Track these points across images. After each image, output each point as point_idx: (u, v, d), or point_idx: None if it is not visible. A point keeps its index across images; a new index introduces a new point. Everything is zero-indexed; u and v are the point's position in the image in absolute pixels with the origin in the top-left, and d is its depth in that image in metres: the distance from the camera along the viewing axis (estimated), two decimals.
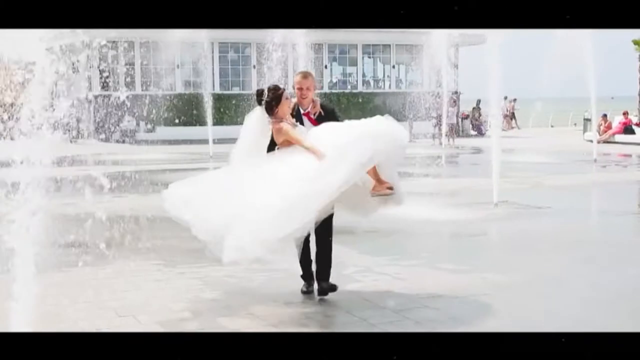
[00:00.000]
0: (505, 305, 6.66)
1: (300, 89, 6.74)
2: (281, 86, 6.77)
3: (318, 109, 6.80)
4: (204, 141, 23.69)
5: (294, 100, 6.78)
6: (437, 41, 27.60)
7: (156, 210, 12.16)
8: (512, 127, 39.63)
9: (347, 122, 6.77)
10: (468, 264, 8.02)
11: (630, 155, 23.47)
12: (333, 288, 6.76)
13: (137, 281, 7.41)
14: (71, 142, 29.29)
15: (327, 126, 6.63)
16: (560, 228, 10.45)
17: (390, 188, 6.55)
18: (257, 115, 6.65)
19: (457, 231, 10.25)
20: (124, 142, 29.88)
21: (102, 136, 30.38)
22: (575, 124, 38.84)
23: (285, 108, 6.59)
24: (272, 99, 6.56)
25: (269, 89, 6.65)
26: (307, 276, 6.90)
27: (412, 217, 10.65)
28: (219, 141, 24.97)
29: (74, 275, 7.60)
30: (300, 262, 6.82)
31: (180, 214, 6.45)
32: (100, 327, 5.90)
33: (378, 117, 6.72)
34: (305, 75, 6.86)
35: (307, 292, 6.88)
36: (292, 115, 6.69)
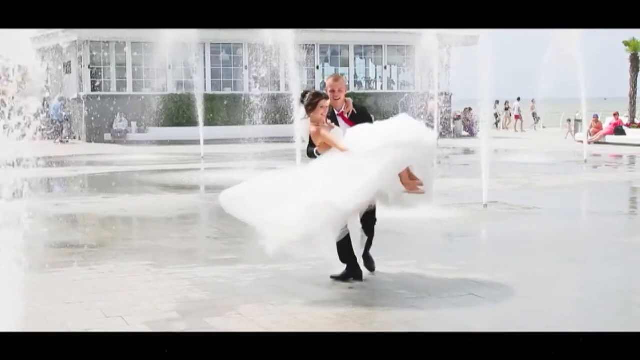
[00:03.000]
0: (493, 305, 6.67)
1: (333, 91, 7.23)
2: (323, 93, 7.19)
3: (351, 108, 7.30)
4: (196, 142, 23.69)
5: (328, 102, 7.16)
6: (429, 42, 27.65)
7: (146, 211, 12.22)
8: (519, 129, 39.50)
9: (381, 124, 7.17)
10: (457, 265, 8.03)
11: (620, 156, 23.56)
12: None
13: (125, 282, 7.39)
14: (62, 142, 29.27)
15: (363, 129, 7.01)
16: (550, 228, 10.47)
17: (421, 184, 7.00)
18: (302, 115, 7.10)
19: (447, 232, 10.26)
20: (115, 142, 29.85)
21: (93, 137, 30.34)
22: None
23: (319, 115, 6.98)
24: (308, 104, 7.01)
25: (310, 94, 7.10)
26: (354, 265, 7.27)
27: (401, 217, 10.65)
28: (210, 142, 25.03)
29: (62, 275, 7.59)
30: (343, 253, 7.12)
31: (236, 212, 6.95)
32: (87, 327, 5.88)
33: (405, 118, 7.18)
34: (337, 78, 7.45)
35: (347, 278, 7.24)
36: (327, 117, 7.07)
